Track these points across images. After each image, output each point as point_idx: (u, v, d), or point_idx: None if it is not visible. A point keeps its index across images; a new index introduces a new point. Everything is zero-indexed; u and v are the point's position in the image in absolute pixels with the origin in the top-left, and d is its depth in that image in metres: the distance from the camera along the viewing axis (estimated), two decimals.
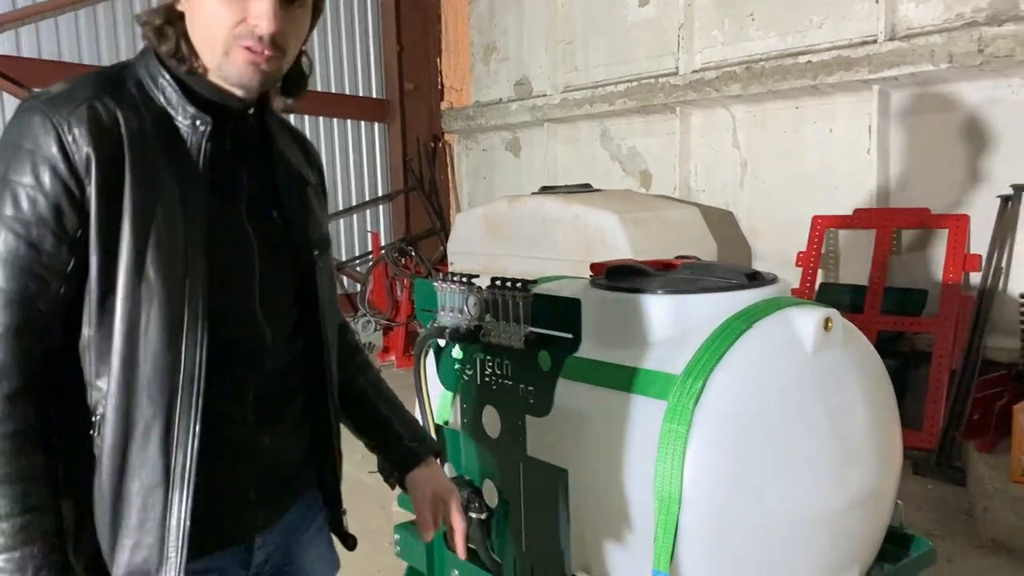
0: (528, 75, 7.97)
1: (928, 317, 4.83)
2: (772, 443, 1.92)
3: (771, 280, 2.22)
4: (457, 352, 2.31)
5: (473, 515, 2.26)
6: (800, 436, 1.95)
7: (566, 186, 6.24)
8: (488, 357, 2.21)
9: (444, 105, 8.93)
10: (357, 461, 4.96)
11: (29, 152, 1.14)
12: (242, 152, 1.35)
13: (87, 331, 1.19)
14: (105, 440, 1.19)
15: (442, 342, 2.32)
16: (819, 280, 5.52)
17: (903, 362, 4.86)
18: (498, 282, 2.12)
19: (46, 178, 1.13)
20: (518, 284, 2.08)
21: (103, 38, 6.92)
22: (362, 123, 8.43)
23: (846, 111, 5.44)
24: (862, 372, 2.09)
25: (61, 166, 1.14)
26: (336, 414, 1.52)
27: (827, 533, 1.99)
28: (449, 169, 8.99)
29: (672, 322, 2.12)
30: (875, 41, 5.12)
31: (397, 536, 2.72)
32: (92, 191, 1.15)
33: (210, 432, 1.23)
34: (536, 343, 2.01)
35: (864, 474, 2.05)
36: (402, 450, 1.69)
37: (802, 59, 5.46)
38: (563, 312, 1.98)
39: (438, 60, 8.94)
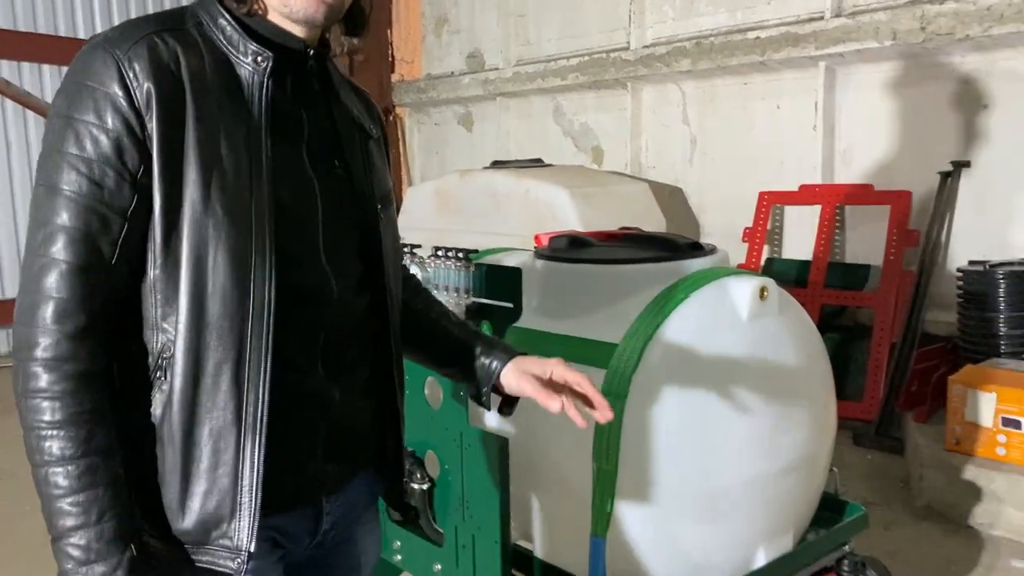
0: (480, 48, 7.90)
1: (870, 292, 4.92)
2: (708, 409, 1.95)
3: (711, 251, 2.24)
4: None
5: (415, 486, 2.26)
6: (736, 401, 1.98)
7: (517, 161, 6.22)
8: None
9: (395, 78, 8.81)
10: None
11: (91, 89, 1.12)
12: (303, 97, 1.30)
13: (152, 271, 1.16)
14: (174, 383, 1.15)
15: None
16: (765, 255, 5.59)
17: (846, 336, 4.96)
18: (439, 252, 2.10)
19: (108, 115, 1.12)
20: (459, 254, 2.06)
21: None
22: None
23: (793, 88, 5.49)
24: (797, 340, 2.13)
25: (122, 102, 1.12)
26: (401, 379, 1.47)
27: (761, 498, 2.03)
28: (400, 143, 8.89)
29: (613, 292, 2.12)
30: (822, 18, 5.17)
31: None
32: (154, 128, 1.13)
33: (280, 378, 1.20)
34: (477, 313, 2.01)
35: (798, 440, 2.08)
36: (489, 360, 1.55)
37: (751, 35, 5.49)
38: (504, 282, 1.98)
39: (388, 31, 8.82)
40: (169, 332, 1.16)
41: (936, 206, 4.78)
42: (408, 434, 2.35)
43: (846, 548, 2.37)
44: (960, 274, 4.30)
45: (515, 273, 1.95)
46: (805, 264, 5.17)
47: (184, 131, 1.15)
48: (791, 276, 5.09)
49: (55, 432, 1.10)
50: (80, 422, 1.10)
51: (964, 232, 4.75)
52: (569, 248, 2.34)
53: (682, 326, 1.97)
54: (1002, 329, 4.04)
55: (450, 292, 2.06)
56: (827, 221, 5.19)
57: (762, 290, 2.04)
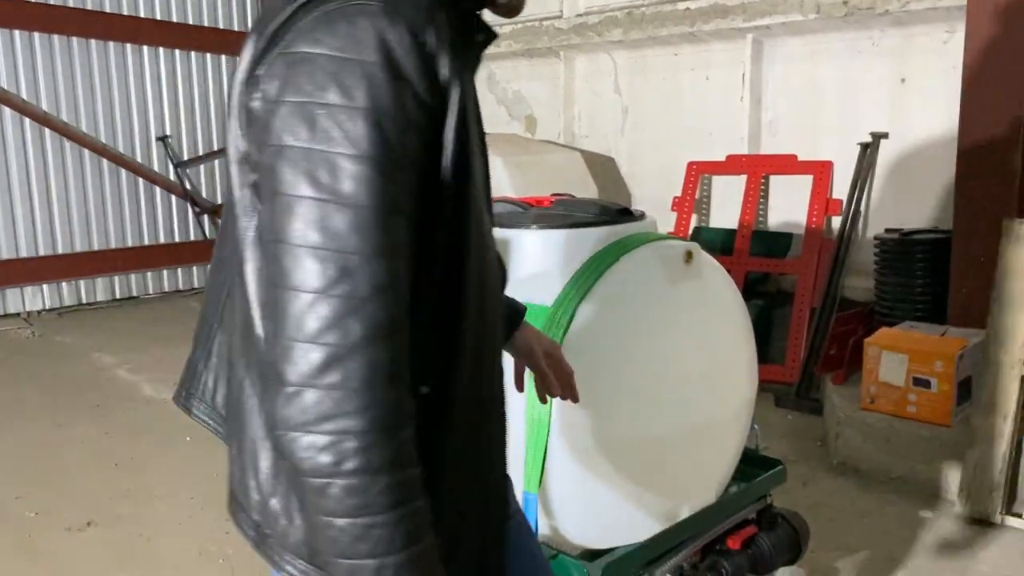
0: None
1: (792, 259, 5.09)
2: (636, 368, 2.01)
3: (639, 216, 2.29)
4: None
5: None
6: (662, 361, 2.05)
7: None
8: None
9: None
10: None
11: (376, 67, 0.88)
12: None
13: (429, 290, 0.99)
14: (457, 400, 1.06)
15: None
16: (693, 224, 5.72)
17: (769, 302, 5.13)
18: None
19: (408, 102, 0.90)
20: None
21: None
22: (222, 57, 8.08)
23: (722, 59, 5.60)
24: (720, 302, 2.20)
25: (422, 86, 0.91)
26: None
27: (686, 452, 2.11)
28: None
29: (544, 256, 2.16)
30: None
31: None
32: (451, 118, 0.95)
33: None
34: None
35: (722, 397, 2.17)
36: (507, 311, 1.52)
37: (680, 6, 5.56)
38: None
39: None
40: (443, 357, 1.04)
41: (856, 176, 4.95)
42: None
43: (766, 501, 2.48)
44: (877, 242, 4.47)
45: None
46: (731, 232, 5.31)
47: (465, 124, 0.97)
48: (717, 244, 5.22)
49: (400, 516, 0.91)
50: (417, 496, 0.94)
51: (882, 201, 4.94)
52: (502, 213, 2.37)
53: (612, 289, 2.02)
54: (916, 294, 4.23)
55: None
56: (752, 190, 5.33)
57: (687, 254, 2.10)
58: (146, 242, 7.72)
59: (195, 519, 3.45)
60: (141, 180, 7.60)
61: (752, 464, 2.51)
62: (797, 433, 4.30)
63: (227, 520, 3.32)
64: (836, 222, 5.07)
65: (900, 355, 3.68)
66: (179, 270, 7.99)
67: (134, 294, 7.75)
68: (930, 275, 4.20)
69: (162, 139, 7.64)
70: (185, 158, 7.80)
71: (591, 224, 2.19)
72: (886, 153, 4.90)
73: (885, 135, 4.87)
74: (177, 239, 7.90)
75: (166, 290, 7.93)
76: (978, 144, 3.90)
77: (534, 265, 2.16)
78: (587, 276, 2.03)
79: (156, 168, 7.68)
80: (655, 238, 2.17)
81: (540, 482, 1.96)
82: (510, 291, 2.16)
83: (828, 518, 3.35)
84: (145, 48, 7.49)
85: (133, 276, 7.71)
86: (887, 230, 4.53)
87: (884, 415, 3.74)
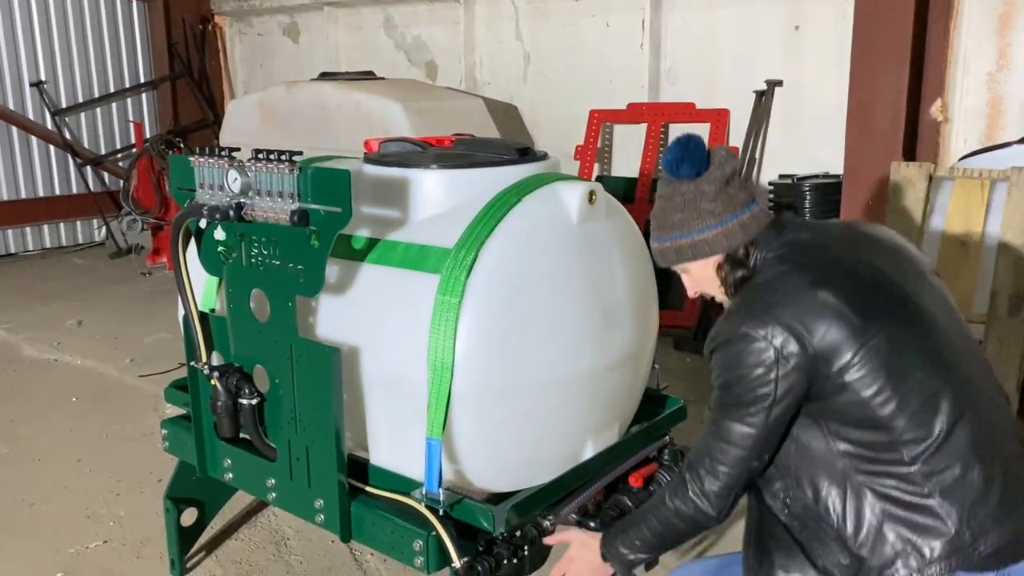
0: None
1: None
2: (539, 310, 1.98)
3: (542, 156, 2.25)
4: (220, 234, 2.18)
5: (244, 401, 2.18)
6: (565, 302, 2.03)
7: (347, 73, 6.00)
8: (254, 237, 2.10)
9: None
10: (125, 366, 4.66)
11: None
12: None
13: None
14: None
15: (203, 224, 2.17)
16: (595, 173, 5.72)
17: None
18: (261, 154, 1.99)
19: None
20: (283, 156, 1.96)
21: None
22: (116, 0, 7.60)
23: (621, 5, 5.57)
24: (623, 243, 2.19)
25: None
26: None
27: (589, 393, 2.11)
28: (221, 55, 8.35)
29: (446, 197, 2.10)
30: None
31: (165, 431, 2.59)
32: None
33: None
34: (303, 218, 1.93)
35: (623, 337, 2.17)
36: None
37: None
38: (331, 185, 1.90)
39: None
40: None
41: (751, 123, 5.03)
42: (235, 350, 2.28)
43: (667, 439, 2.52)
44: (771, 187, 4.58)
45: (343, 176, 1.88)
46: (632, 181, 5.34)
47: None
48: (619, 193, 5.20)
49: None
50: None
51: (777, 148, 5.04)
52: (401, 153, 2.29)
53: (514, 229, 1.98)
54: None
55: (273, 198, 1.97)
56: (653, 139, 5.36)
57: (590, 194, 2.08)
58: (23, 196, 7.26)
59: (82, 481, 3.29)
60: (15, 129, 7.10)
61: (654, 403, 2.54)
62: (695, 374, 4.40)
63: (118, 481, 3.13)
64: None
65: None
66: (61, 225, 7.56)
67: (12, 251, 7.29)
68: (822, 216, 4.32)
69: (37, 85, 7.14)
70: (63, 106, 7.32)
71: (493, 164, 2.13)
72: (781, 101, 4.99)
73: (779, 83, 4.96)
74: (58, 192, 7.45)
75: (48, 246, 7.49)
76: (867, 90, 4.00)
77: (435, 206, 2.10)
78: (491, 217, 1.98)
79: (31, 116, 7.19)
80: (558, 178, 2.13)
81: (444, 427, 1.93)
82: (408, 233, 2.10)
83: None
84: None
85: (11, 232, 7.25)
86: (780, 176, 4.64)
87: None
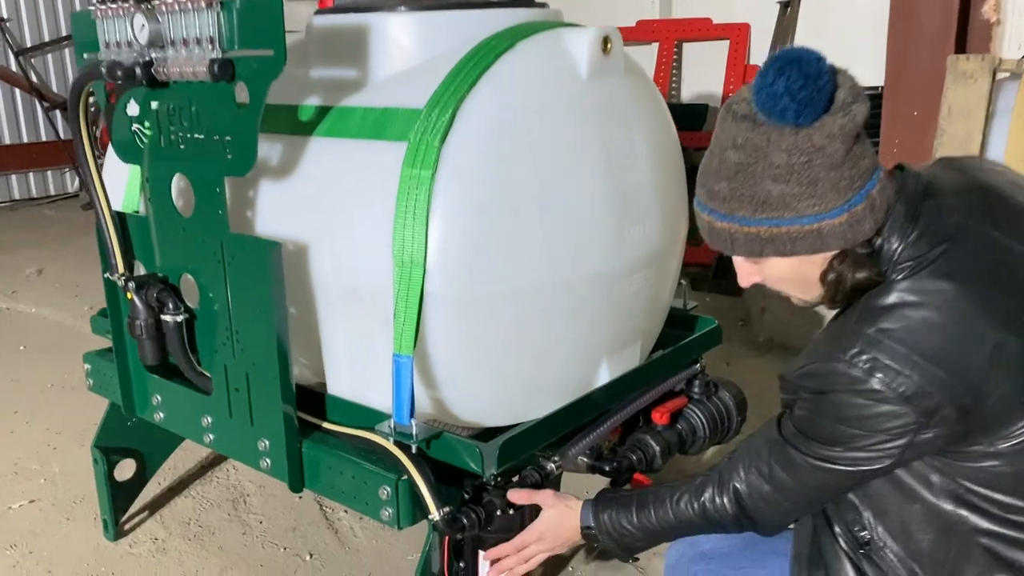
0: None
1: (708, 132, 4.66)
2: (537, 188, 1.52)
3: (541, 4, 1.78)
4: (133, 108, 1.72)
5: (168, 318, 1.74)
6: (572, 181, 1.56)
7: None
8: (171, 106, 1.63)
9: None
10: (83, 313, 4.19)
11: None
12: None
13: None
14: None
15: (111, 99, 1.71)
16: None
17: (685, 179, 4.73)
18: None
19: None
20: None
21: None
22: None
23: None
24: (645, 110, 1.73)
25: None
26: None
27: (602, 301, 1.65)
28: None
29: (416, 47, 1.64)
30: None
31: (88, 366, 2.15)
32: None
33: None
34: (226, 69, 1.46)
35: (645, 232, 1.71)
36: None
37: None
38: (259, 20, 1.43)
39: None
40: None
41: (775, 39, 4.52)
42: (159, 258, 1.82)
43: (698, 367, 2.07)
44: None
45: (274, 7, 1.41)
46: None
47: None
48: None
49: None
50: None
51: None
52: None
53: (505, 84, 1.52)
54: None
55: (189, 47, 1.51)
56: (665, 59, 4.86)
57: (604, 41, 1.61)
58: None
59: (17, 435, 2.85)
60: None
61: (680, 326, 2.09)
62: (717, 314, 3.90)
63: (57, 434, 2.65)
64: None
65: None
66: (31, 175, 7.06)
67: None
68: None
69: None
70: (28, 45, 6.80)
71: (477, 5, 1.66)
72: (806, 11, 4.48)
73: None
74: (25, 139, 6.95)
75: (16, 198, 7.01)
76: None
77: (402, 60, 1.63)
78: (474, 67, 1.51)
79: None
80: (562, 24, 1.66)
81: (415, 341, 1.48)
82: (369, 96, 1.64)
83: (755, 394, 2.99)
84: None
85: None
86: None
87: None
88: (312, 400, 1.73)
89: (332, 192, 1.59)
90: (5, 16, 6.68)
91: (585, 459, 1.90)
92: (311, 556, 2.18)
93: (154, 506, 2.40)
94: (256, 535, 2.27)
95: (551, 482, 1.73)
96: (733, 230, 1.17)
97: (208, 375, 1.77)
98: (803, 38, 4.50)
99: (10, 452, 2.72)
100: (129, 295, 1.77)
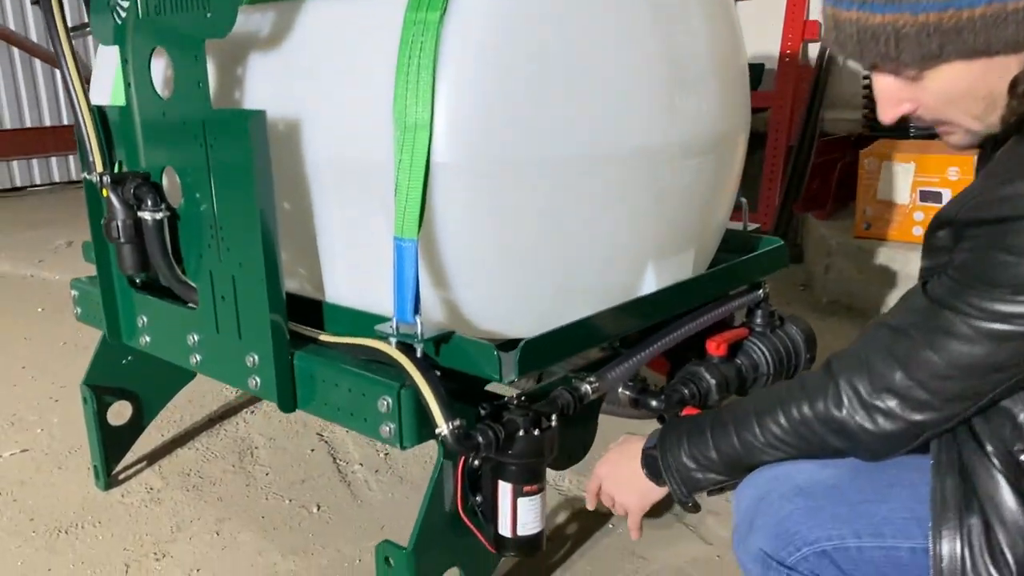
0: None
1: (765, 92, 4.36)
2: (568, 37, 1.26)
3: None
4: None
5: (147, 215, 1.52)
6: (609, 32, 1.30)
7: None
8: None
9: None
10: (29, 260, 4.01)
11: None
12: None
13: None
14: None
15: None
16: None
17: None
18: None
19: None
20: None
21: None
22: None
23: None
24: None
25: None
26: None
27: (649, 187, 1.38)
28: None
29: None
30: None
31: (75, 293, 1.95)
32: None
33: None
34: None
35: (702, 110, 1.44)
36: None
37: None
38: None
39: None
40: None
41: None
42: (144, 153, 1.61)
43: (761, 293, 1.79)
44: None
45: None
46: None
47: None
48: None
49: None
50: None
51: None
52: None
53: None
54: None
55: None
56: None
57: None
58: (28, 125, 6.73)
59: (20, 388, 2.68)
60: (17, 51, 6.56)
61: (739, 250, 1.82)
62: (775, 280, 3.63)
63: (62, 387, 2.43)
64: (814, 49, 4.35)
65: (905, 165, 3.00)
66: (70, 158, 7.02)
67: (18, 184, 6.79)
68: None
69: (39, 2, 6.57)
70: (70, 24, 6.76)
71: None
72: None
73: None
74: (66, 121, 6.91)
75: (56, 180, 6.98)
76: None
77: None
78: None
79: (35, 39, 6.64)
80: None
81: (420, 223, 1.23)
82: None
83: (820, 354, 2.70)
84: None
85: (16, 165, 6.74)
86: None
87: (883, 242, 3.08)
88: (309, 312, 1.50)
89: (323, 58, 1.35)
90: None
91: (627, 391, 1.64)
92: (319, 508, 1.94)
93: (153, 457, 2.18)
94: (261, 487, 2.04)
95: (587, 410, 1.47)
96: (900, 23, 0.91)
97: (194, 285, 1.54)
98: None
99: (10, 404, 2.54)
100: (105, 192, 1.56)
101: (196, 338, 1.57)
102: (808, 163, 3.93)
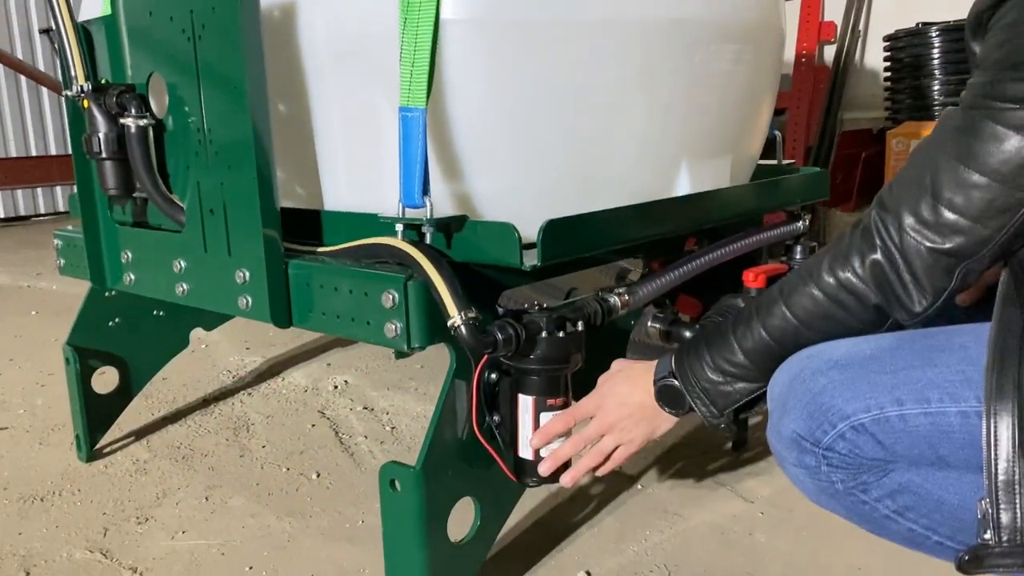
0: None
1: (782, 92, 4.26)
2: None
3: None
4: None
5: (129, 122, 1.39)
6: None
7: None
8: None
9: None
10: None
11: None
12: None
13: None
14: None
15: None
16: None
17: None
18: None
19: None
20: None
21: None
22: None
23: None
24: None
25: None
26: None
27: (682, 67, 1.24)
28: None
29: None
30: None
31: (58, 243, 1.82)
32: None
33: None
34: None
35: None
36: None
37: None
38: None
39: None
40: None
41: None
42: (130, 60, 1.49)
43: (800, 225, 1.64)
44: (888, 43, 3.66)
45: None
46: None
47: None
48: None
49: None
50: None
51: (884, 16, 4.13)
52: None
53: None
54: (937, 96, 3.42)
55: None
56: None
57: None
58: (33, 153, 6.69)
59: (5, 376, 2.53)
60: (24, 79, 6.56)
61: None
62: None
63: (49, 375, 2.27)
64: (830, 51, 4.27)
65: None
66: (76, 188, 6.96)
67: (22, 213, 6.72)
68: (953, 72, 3.39)
69: (47, 32, 6.59)
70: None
71: None
72: None
73: None
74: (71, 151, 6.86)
75: (61, 210, 6.91)
76: None
77: None
78: None
79: (41, 67, 6.65)
80: None
81: (429, 89, 1.09)
82: None
83: None
84: None
85: (20, 193, 6.68)
86: (898, 30, 3.72)
87: None
88: (307, 228, 1.36)
89: None
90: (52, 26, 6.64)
91: (657, 323, 1.49)
92: (318, 475, 1.77)
93: (141, 433, 2.02)
94: (256, 457, 1.88)
95: (615, 331, 1.32)
96: None
97: (180, 204, 1.41)
98: None
99: None
100: (85, 103, 1.43)
101: (182, 264, 1.42)
102: (829, 158, 3.82)
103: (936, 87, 3.41)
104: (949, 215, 0.86)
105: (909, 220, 0.88)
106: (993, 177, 0.82)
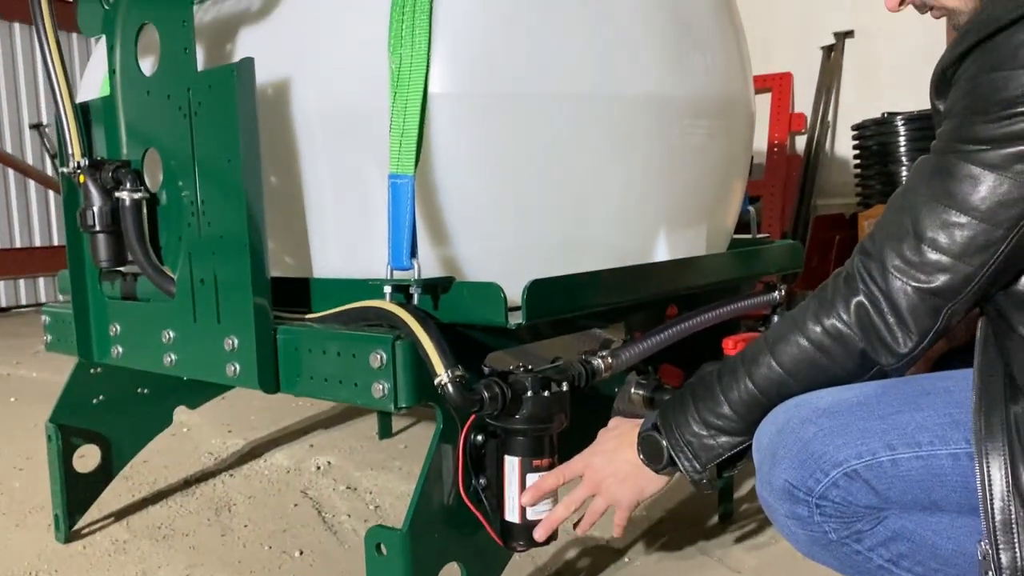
0: None
1: (755, 180, 4.40)
2: None
3: None
4: None
5: (124, 195, 1.42)
6: None
7: None
8: None
9: None
10: None
11: None
12: None
13: None
14: None
15: None
16: None
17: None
18: None
19: None
20: None
21: None
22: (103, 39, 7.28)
23: None
24: None
25: None
26: None
27: (659, 141, 1.31)
28: None
29: None
30: None
31: (46, 318, 1.83)
32: None
33: None
34: None
35: (710, 65, 1.38)
36: None
37: None
38: None
39: None
40: None
41: (820, 83, 4.33)
42: (126, 135, 1.53)
43: (777, 295, 1.69)
44: (856, 131, 3.81)
45: None
46: None
47: None
48: None
49: None
50: None
51: (852, 107, 4.30)
52: None
53: None
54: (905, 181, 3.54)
55: None
56: None
57: None
58: (17, 245, 6.72)
59: None
60: (12, 173, 6.64)
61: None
62: None
63: (27, 459, 2.25)
64: (800, 141, 4.43)
65: None
66: (58, 279, 6.96)
67: (3, 305, 6.69)
68: (919, 156, 3.52)
69: (37, 127, 6.72)
70: None
71: None
72: (852, 52, 4.30)
73: (850, 33, 4.28)
74: (56, 243, 6.90)
75: (43, 301, 6.88)
76: None
77: None
78: None
79: (30, 161, 6.74)
80: None
81: (416, 159, 1.14)
82: None
83: None
84: (17, 25, 6.66)
85: (2, 284, 6.67)
86: (864, 120, 3.88)
87: None
88: (296, 297, 1.39)
89: (312, 10, 1.31)
90: (44, 121, 6.80)
91: (640, 389, 1.51)
92: (300, 553, 1.74)
93: (122, 514, 1.99)
94: (238, 536, 1.85)
95: (598, 391, 1.34)
96: None
97: (171, 275, 1.43)
98: (851, 80, 4.31)
99: None
100: (81, 178, 1.47)
101: (171, 334, 1.44)
102: (804, 242, 3.91)
103: (903, 172, 3.54)
104: (932, 254, 0.90)
105: (895, 262, 0.92)
106: (972, 215, 0.87)
